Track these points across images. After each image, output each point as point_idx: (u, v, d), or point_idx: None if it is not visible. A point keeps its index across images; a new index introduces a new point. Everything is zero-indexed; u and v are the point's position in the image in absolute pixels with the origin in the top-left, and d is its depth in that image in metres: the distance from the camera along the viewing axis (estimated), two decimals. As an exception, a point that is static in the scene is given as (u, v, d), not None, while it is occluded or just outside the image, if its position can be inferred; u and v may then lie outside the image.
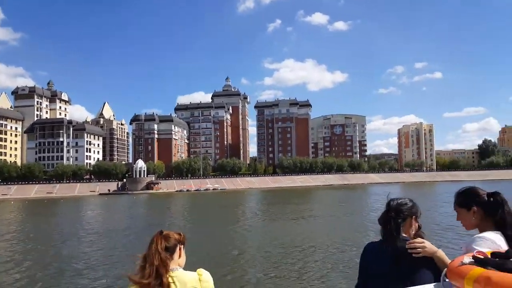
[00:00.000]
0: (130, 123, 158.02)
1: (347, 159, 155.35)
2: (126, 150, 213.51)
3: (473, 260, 1.78)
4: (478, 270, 1.65)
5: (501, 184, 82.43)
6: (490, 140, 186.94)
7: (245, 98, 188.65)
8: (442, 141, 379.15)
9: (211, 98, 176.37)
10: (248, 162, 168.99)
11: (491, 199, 2.35)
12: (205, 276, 2.21)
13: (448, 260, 2.11)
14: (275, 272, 15.35)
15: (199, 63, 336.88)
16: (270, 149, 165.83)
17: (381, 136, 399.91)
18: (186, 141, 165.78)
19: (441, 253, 2.16)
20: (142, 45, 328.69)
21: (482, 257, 1.79)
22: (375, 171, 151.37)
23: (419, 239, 2.23)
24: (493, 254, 1.86)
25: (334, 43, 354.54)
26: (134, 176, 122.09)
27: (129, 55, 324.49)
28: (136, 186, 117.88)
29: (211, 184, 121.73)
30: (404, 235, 2.30)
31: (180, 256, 2.28)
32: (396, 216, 2.31)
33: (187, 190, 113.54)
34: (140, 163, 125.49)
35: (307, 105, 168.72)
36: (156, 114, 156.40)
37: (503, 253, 1.83)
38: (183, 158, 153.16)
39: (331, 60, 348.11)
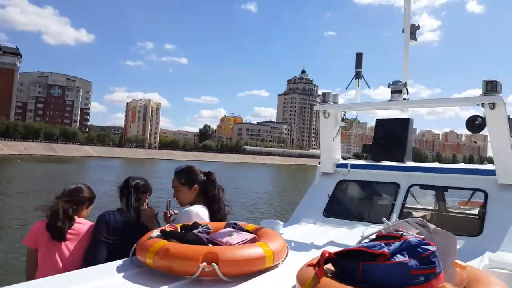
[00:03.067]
0: None
1: (63, 127, 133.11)
2: None
3: (160, 233, 1.93)
4: (161, 242, 1.80)
5: (211, 164, 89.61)
6: (209, 126, 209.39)
7: None
8: (182, 122, 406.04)
9: None
10: None
11: (206, 178, 2.73)
12: None
13: None
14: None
15: None
16: None
17: (124, 109, 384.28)
18: None
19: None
20: None
21: (168, 230, 1.95)
22: (93, 144, 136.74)
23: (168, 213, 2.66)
24: (182, 227, 2.10)
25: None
26: None
27: None
28: None
29: None
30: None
31: None
32: (135, 191, 2.61)
33: None
34: None
35: (15, 53, 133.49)
36: None
37: (190, 226, 2.09)
38: None
39: (77, 15, 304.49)
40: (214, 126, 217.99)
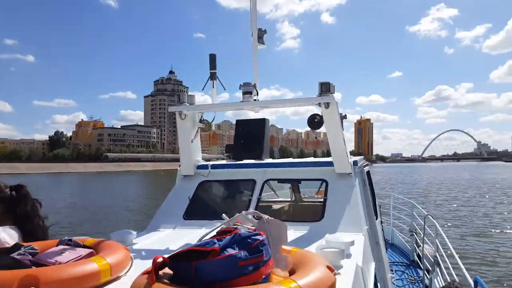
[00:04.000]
0: None
1: None
2: None
3: None
4: None
5: (66, 176, 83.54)
6: (62, 132, 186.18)
7: None
8: (31, 130, 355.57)
9: None
10: None
11: (14, 193, 2.26)
12: None
13: None
14: None
15: None
16: None
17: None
18: None
19: None
20: None
21: None
22: None
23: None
24: None
25: None
26: None
27: None
28: None
29: None
30: None
31: None
32: None
33: None
34: None
35: None
36: None
37: (9, 248, 1.77)
38: None
39: None
40: (69, 133, 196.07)
